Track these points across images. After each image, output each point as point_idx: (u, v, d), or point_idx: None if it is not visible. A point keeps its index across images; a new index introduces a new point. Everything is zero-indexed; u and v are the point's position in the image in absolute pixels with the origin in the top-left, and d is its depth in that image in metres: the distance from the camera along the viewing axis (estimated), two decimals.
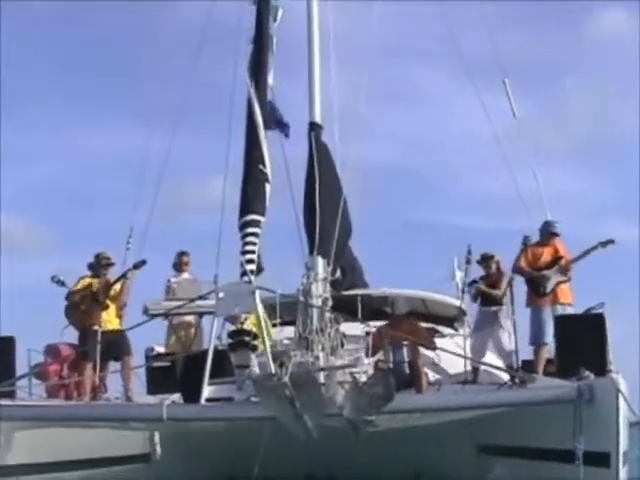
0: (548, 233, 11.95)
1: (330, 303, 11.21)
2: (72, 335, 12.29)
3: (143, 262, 11.97)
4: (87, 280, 12.13)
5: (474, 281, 12.29)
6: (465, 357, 11.55)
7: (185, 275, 14.04)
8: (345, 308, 11.92)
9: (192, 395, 9.69)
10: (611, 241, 11.36)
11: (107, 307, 12.04)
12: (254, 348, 9.69)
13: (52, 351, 12.07)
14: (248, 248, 10.22)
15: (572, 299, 11.61)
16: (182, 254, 14.18)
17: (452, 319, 15.08)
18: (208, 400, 9.63)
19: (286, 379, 8.72)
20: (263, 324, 9.73)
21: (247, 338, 9.66)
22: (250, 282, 9.81)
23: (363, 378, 10.31)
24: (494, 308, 11.92)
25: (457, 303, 14.09)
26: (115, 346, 11.87)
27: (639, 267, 17.29)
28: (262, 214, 10.55)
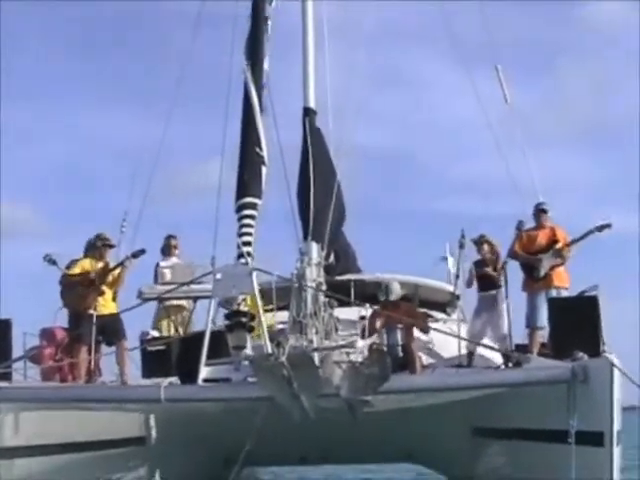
0: (537, 211, 12.03)
1: (324, 287, 11.28)
2: (64, 316, 12.32)
3: (142, 251, 11.98)
4: (86, 264, 12.11)
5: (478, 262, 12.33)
6: (460, 337, 11.61)
7: (174, 259, 14.09)
8: (338, 293, 11.95)
9: (189, 376, 9.74)
10: (607, 225, 11.41)
11: (103, 292, 12.05)
12: (251, 329, 9.70)
13: (47, 335, 12.06)
14: (245, 230, 10.25)
15: (568, 282, 11.66)
16: (170, 237, 14.26)
17: (445, 304, 15.10)
18: (205, 381, 9.68)
19: (283, 359, 8.77)
20: (260, 305, 9.76)
21: (244, 319, 9.64)
22: (247, 264, 9.87)
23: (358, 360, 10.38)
24: (493, 292, 11.97)
25: (450, 288, 14.15)
26: (110, 330, 11.87)
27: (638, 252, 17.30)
28: (259, 196, 10.58)
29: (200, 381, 9.62)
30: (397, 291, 12.16)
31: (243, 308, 9.87)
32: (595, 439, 8.90)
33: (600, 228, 11.39)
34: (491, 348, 11.35)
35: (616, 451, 8.91)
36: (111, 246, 12.29)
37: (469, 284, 12.44)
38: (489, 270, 12.12)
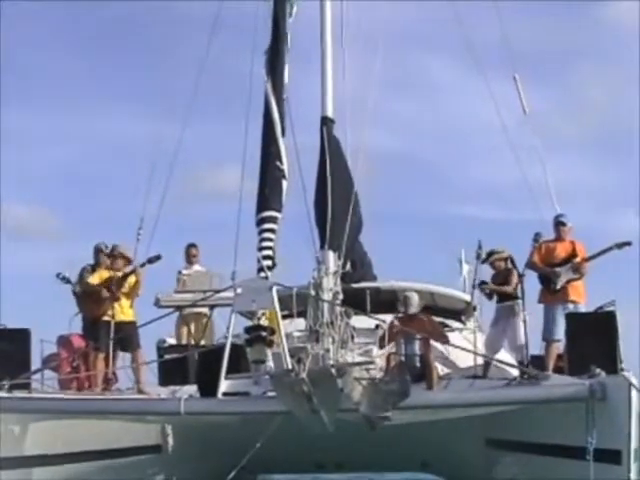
0: (556, 224, 12.03)
1: (341, 297, 11.32)
2: (79, 323, 12.38)
3: (158, 257, 12.05)
4: (104, 274, 12.19)
5: (483, 282, 12.31)
6: (476, 353, 11.63)
7: (196, 267, 14.16)
8: (354, 301, 12.01)
9: (209, 389, 9.79)
10: (628, 243, 11.39)
11: (118, 299, 12.11)
12: (270, 343, 9.75)
13: (64, 342, 12.15)
14: (265, 244, 10.33)
15: (584, 297, 11.66)
16: (190, 246, 14.32)
17: (460, 313, 15.16)
18: (225, 394, 9.73)
19: (304, 375, 8.83)
20: (280, 320, 9.80)
21: (264, 333, 9.70)
22: (267, 278, 9.92)
23: (375, 372, 10.44)
24: (509, 302, 11.97)
25: (465, 297, 14.16)
26: (124, 338, 11.93)
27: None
28: (279, 210, 10.66)
29: (220, 394, 9.66)
30: (416, 303, 12.20)
31: (263, 321, 9.93)
32: (613, 457, 8.92)
33: (620, 245, 11.37)
34: (506, 364, 11.35)
35: (634, 469, 8.95)
36: (129, 260, 12.34)
37: (490, 297, 12.42)
38: (493, 287, 12.11)
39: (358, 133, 12.44)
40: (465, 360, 12.28)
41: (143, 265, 12.16)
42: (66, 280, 12.13)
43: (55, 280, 12.21)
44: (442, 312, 14.69)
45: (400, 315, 12.23)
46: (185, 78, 14.56)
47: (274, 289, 9.72)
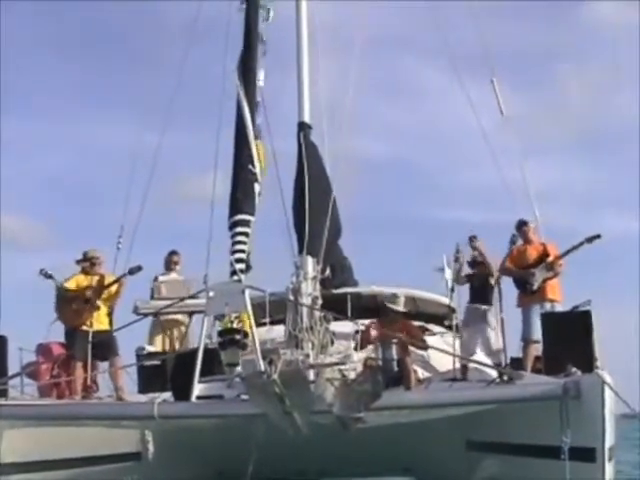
0: (519, 227, 12.06)
1: (320, 302, 11.31)
2: (59, 330, 12.36)
3: (139, 268, 12.05)
4: (80, 279, 12.17)
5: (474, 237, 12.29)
6: (454, 355, 11.62)
7: (173, 274, 14.12)
8: (335, 306, 12.00)
9: (183, 393, 9.78)
10: (597, 236, 11.44)
11: (98, 308, 12.10)
12: (244, 346, 9.76)
13: (44, 350, 12.13)
14: (238, 247, 10.32)
15: (561, 296, 11.67)
16: (172, 253, 14.28)
17: (442, 317, 15.13)
18: (199, 398, 9.72)
19: (275, 376, 8.82)
20: (253, 323, 9.80)
21: (237, 336, 9.71)
22: (240, 281, 9.92)
23: (352, 375, 10.42)
24: (484, 307, 11.95)
25: (447, 301, 14.14)
26: (102, 347, 11.90)
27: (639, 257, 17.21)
28: (251, 214, 10.66)
29: (193, 398, 9.65)
30: (402, 303, 12.21)
31: (237, 325, 9.93)
32: (587, 455, 8.93)
33: (590, 239, 11.43)
34: (484, 365, 11.34)
35: (608, 467, 8.94)
36: (93, 264, 12.29)
37: (461, 282, 12.37)
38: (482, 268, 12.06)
39: (337, 138, 12.47)
40: (446, 364, 12.26)
41: (124, 276, 12.15)
42: (49, 276, 12.09)
43: (38, 277, 12.19)
44: (424, 317, 14.69)
45: (379, 319, 12.21)
46: (168, 84, 14.60)
47: (247, 292, 9.74)
